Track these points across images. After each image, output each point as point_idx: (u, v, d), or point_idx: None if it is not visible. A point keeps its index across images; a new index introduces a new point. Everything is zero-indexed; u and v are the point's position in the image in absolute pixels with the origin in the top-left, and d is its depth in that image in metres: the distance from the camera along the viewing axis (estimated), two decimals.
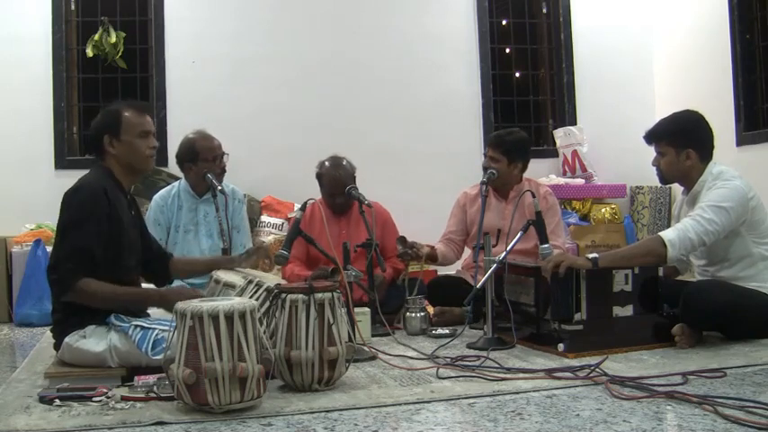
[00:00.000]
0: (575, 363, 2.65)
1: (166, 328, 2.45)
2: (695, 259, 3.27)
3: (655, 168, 3.22)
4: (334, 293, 2.47)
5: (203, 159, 3.77)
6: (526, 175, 3.97)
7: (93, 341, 2.57)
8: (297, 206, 4.86)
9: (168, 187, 3.94)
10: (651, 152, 3.26)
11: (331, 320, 2.43)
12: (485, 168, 3.83)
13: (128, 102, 2.89)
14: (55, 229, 2.78)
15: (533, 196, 3.27)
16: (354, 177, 3.92)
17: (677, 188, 3.44)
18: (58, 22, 5.38)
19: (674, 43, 6.11)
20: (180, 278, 3.35)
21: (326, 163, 3.96)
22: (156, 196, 3.90)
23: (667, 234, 2.94)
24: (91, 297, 2.58)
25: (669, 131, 3.14)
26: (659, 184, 5.76)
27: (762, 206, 3.04)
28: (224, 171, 3.85)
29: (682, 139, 3.10)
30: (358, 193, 3.76)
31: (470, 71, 6.05)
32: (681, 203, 3.32)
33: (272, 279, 2.92)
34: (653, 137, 3.19)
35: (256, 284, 2.71)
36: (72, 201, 2.64)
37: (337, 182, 3.87)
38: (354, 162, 4.00)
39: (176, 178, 4.32)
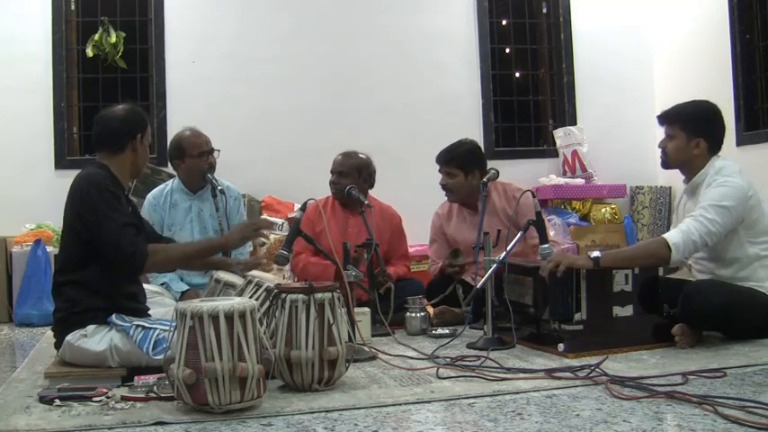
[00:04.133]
0: (575, 363, 2.65)
1: (167, 328, 2.45)
2: None
3: (660, 150, 3.19)
4: (334, 293, 2.48)
5: (189, 156, 3.78)
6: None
7: (94, 340, 2.57)
8: (297, 206, 4.87)
9: (162, 185, 3.95)
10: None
11: (331, 320, 2.43)
12: (443, 186, 3.85)
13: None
14: (62, 224, 2.76)
15: (533, 196, 3.27)
16: (362, 173, 3.95)
17: (677, 188, 3.43)
18: (58, 22, 5.38)
19: (674, 43, 6.11)
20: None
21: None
22: (149, 195, 3.90)
23: (672, 237, 2.92)
24: (164, 262, 2.76)
25: (685, 117, 3.12)
26: (659, 184, 5.80)
27: (759, 204, 3.03)
28: (213, 167, 3.83)
29: (695, 127, 3.08)
30: (358, 193, 3.77)
31: (470, 71, 6.05)
32: (681, 195, 3.30)
33: (271, 279, 2.92)
34: (667, 118, 3.16)
35: (256, 284, 2.72)
36: (93, 186, 2.64)
37: (345, 158, 3.95)
38: None
39: None
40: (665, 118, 3.18)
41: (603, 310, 2.93)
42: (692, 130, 3.08)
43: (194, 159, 3.77)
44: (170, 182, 3.94)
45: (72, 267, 2.66)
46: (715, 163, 3.07)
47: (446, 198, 3.96)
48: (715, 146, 3.11)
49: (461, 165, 3.80)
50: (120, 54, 5.48)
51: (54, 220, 4.77)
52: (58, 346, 2.69)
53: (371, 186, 4.03)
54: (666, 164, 3.21)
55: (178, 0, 5.58)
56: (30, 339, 3.88)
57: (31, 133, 5.29)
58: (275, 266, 4.49)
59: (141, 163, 2.86)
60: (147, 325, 2.58)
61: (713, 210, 2.92)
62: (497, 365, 2.65)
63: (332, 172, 3.97)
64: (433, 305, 3.79)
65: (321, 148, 5.31)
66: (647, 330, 2.97)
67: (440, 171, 3.89)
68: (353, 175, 3.91)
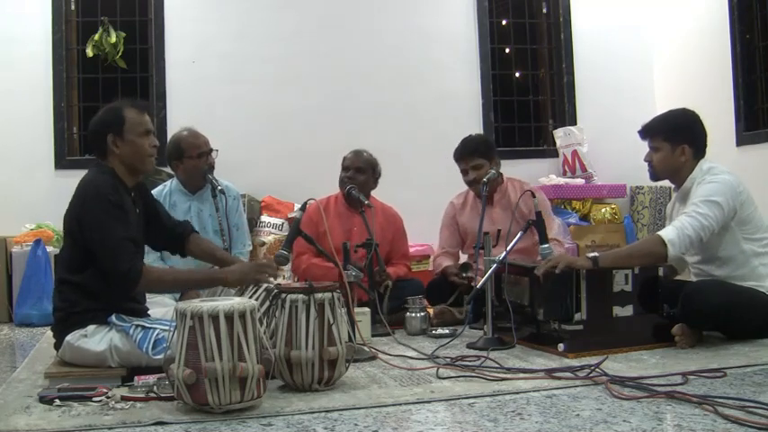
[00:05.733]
0: (575, 363, 2.65)
1: (167, 327, 2.46)
2: (688, 257, 3.27)
3: (647, 164, 3.23)
4: (334, 293, 2.48)
5: (188, 156, 3.76)
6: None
7: (94, 340, 2.57)
8: (297, 206, 4.87)
9: (160, 186, 3.92)
10: None
11: (331, 320, 2.43)
12: (471, 183, 3.84)
13: (128, 100, 2.84)
14: (62, 227, 2.74)
15: (533, 196, 3.28)
16: (375, 170, 3.98)
17: None
18: (58, 22, 5.38)
19: (674, 43, 6.11)
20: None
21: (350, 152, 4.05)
22: None
23: (667, 233, 2.94)
24: (156, 284, 2.67)
25: (666, 127, 3.16)
26: (659, 184, 5.80)
27: (751, 201, 3.05)
28: (212, 167, 3.83)
29: (678, 136, 3.12)
30: (358, 193, 3.78)
31: (470, 71, 6.05)
32: (673, 201, 3.33)
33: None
34: (648, 132, 3.20)
35: (256, 284, 2.71)
36: (94, 194, 2.60)
37: (359, 156, 3.95)
38: None
39: None
40: (646, 132, 3.21)
41: (603, 310, 2.93)
42: (675, 139, 3.12)
43: (193, 160, 3.76)
44: (168, 183, 3.93)
45: (71, 269, 2.66)
46: (703, 166, 3.11)
47: (471, 191, 3.93)
48: (699, 150, 3.14)
49: (485, 154, 3.83)
50: (120, 54, 5.48)
51: (54, 220, 4.76)
52: (57, 345, 2.69)
53: (375, 186, 4.05)
54: (655, 176, 3.25)
55: (178, 0, 5.58)
56: (30, 339, 3.88)
57: (32, 133, 5.29)
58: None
59: (134, 160, 2.72)
60: (146, 325, 2.58)
61: (705, 205, 2.94)
62: (497, 365, 2.65)
63: (347, 168, 3.94)
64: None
65: (321, 148, 5.34)
66: (647, 330, 2.97)
67: (464, 165, 3.86)
68: (369, 171, 3.95)
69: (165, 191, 3.86)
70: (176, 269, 2.86)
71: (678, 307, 2.93)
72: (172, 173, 4.02)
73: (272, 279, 2.73)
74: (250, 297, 2.59)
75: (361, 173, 3.91)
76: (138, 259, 2.62)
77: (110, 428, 2.03)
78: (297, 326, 2.40)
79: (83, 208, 2.61)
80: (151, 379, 2.39)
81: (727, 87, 5.40)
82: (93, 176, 2.68)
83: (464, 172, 3.89)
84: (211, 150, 3.82)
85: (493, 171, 3.71)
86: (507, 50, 6.39)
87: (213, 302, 2.17)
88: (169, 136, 5.25)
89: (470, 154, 3.84)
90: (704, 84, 5.62)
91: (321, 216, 3.50)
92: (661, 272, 3.08)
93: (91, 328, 2.60)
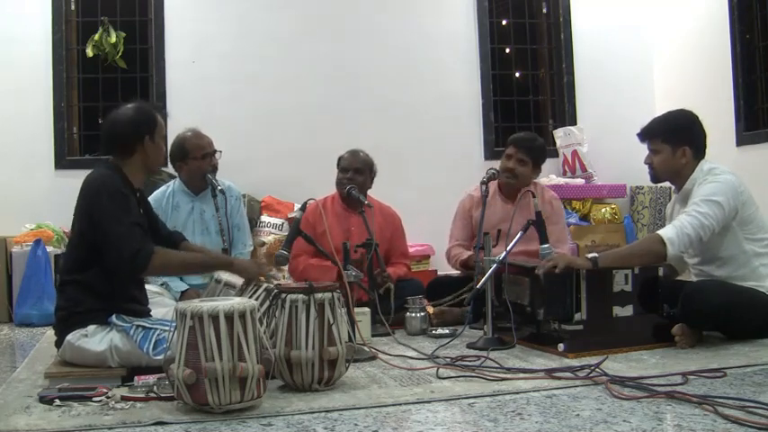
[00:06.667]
0: (575, 363, 2.65)
1: (168, 328, 2.46)
2: (688, 258, 3.27)
3: (647, 166, 3.23)
4: (334, 293, 2.48)
5: (193, 157, 3.76)
6: None
7: (94, 340, 2.57)
8: (297, 206, 4.87)
9: (163, 187, 3.93)
10: None
11: (331, 320, 2.43)
12: (505, 171, 3.80)
13: (148, 102, 2.93)
14: (71, 228, 2.75)
15: (533, 196, 3.28)
16: (372, 170, 3.99)
17: None
18: (58, 22, 5.38)
19: (674, 43, 6.11)
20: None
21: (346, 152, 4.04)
22: (151, 197, 3.86)
23: (666, 232, 2.94)
24: (162, 266, 2.67)
25: (665, 129, 3.16)
26: (659, 184, 5.80)
27: (752, 201, 3.05)
28: (215, 169, 3.83)
29: (678, 137, 3.12)
30: (358, 193, 3.78)
31: (470, 71, 6.05)
32: (673, 203, 3.33)
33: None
34: (648, 134, 3.20)
35: (256, 284, 2.72)
36: (102, 187, 2.62)
37: (356, 156, 3.94)
38: None
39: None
40: (645, 134, 3.20)
41: (603, 310, 2.93)
42: (675, 141, 3.11)
43: (197, 161, 3.76)
44: (171, 183, 3.93)
45: (75, 268, 2.66)
46: (703, 167, 3.10)
47: (507, 180, 3.84)
48: (699, 151, 3.14)
49: (535, 156, 3.82)
50: (120, 54, 5.48)
51: (54, 220, 4.77)
52: (58, 344, 2.69)
53: (372, 185, 4.05)
54: (656, 178, 3.24)
55: (178, 0, 5.58)
56: (30, 339, 3.88)
57: (32, 133, 5.29)
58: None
59: (153, 162, 2.83)
60: (147, 325, 2.58)
61: (705, 204, 2.94)
62: (497, 365, 2.66)
63: (345, 169, 3.93)
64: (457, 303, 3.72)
65: (321, 148, 5.33)
66: (647, 330, 2.97)
67: (512, 151, 3.81)
68: (366, 171, 3.95)
69: (169, 191, 3.86)
70: (184, 253, 2.91)
71: (678, 307, 2.93)
72: (172, 173, 4.02)
73: (274, 272, 2.76)
74: (250, 297, 2.59)
75: (359, 173, 3.91)
76: (147, 241, 2.64)
77: (110, 428, 2.03)
78: (297, 326, 2.40)
79: (91, 201, 2.62)
80: (151, 379, 2.39)
81: (727, 87, 5.40)
82: (99, 173, 2.70)
83: (508, 157, 3.82)
84: (215, 151, 3.82)
85: (492, 171, 3.70)
86: (507, 50, 6.39)
87: (213, 302, 2.17)
88: (169, 136, 5.27)
89: (526, 149, 3.80)
90: (704, 84, 5.62)
91: (319, 216, 3.49)
92: (661, 272, 3.08)
93: (91, 328, 2.60)
